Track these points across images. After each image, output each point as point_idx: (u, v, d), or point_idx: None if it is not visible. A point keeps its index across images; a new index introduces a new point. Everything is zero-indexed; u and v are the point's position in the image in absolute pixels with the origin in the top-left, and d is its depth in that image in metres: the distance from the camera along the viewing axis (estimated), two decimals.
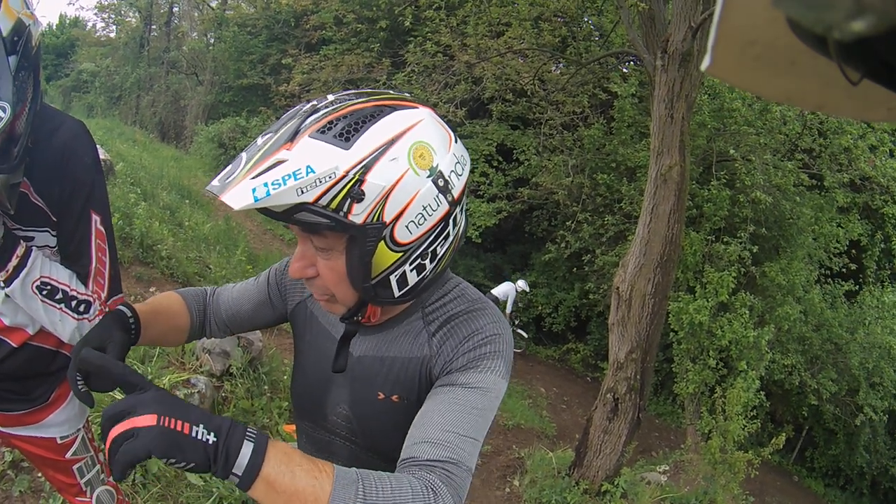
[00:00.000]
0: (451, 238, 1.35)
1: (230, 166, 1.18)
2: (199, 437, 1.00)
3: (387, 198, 1.18)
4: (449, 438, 1.21)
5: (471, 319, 1.39)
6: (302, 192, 1.11)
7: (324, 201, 1.14)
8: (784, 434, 8.56)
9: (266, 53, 20.64)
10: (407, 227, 1.23)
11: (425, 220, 1.25)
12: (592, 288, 12.33)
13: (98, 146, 1.84)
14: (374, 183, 1.16)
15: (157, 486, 3.57)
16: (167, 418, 1.00)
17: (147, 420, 1.00)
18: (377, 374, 1.46)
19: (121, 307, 1.50)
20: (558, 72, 13.50)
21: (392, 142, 1.19)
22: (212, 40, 25.50)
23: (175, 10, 28.16)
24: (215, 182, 1.16)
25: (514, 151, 12.88)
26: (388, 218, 1.20)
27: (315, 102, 1.25)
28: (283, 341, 6.41)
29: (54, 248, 1.81)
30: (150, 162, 12.65)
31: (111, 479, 2.29)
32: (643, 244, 6.26)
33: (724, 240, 10.64)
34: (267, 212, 1.15)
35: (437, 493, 1.12)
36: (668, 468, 8.59)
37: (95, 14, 31.26)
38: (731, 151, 10.85)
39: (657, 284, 6.34)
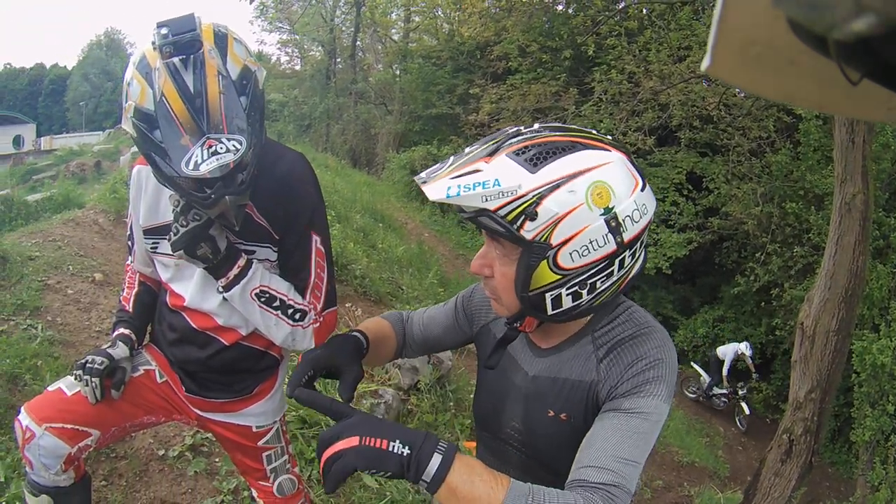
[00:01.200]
0: (614, 277, 1.39)
1: (438, 164, 1.37)
2: (396, 450, 1.17)
3: (557, 223, 1.27)
4: (612, 463, 1.27)
5: (636, 345, 1.44)
6: (486, 200, 1.25)
7: (503, 212, 1.26)
8: None
9: (453, 84, 20.96)
10: (570, 254, 1.30)
11: (589, 252, 1.31)
12: (780, 324, 12.09)
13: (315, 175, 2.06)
14: (548, 207, 1.26)
15: None
16: (368, 438, 1.18)
17: (351, 442, 1.18)
18: (549, 394, 1.54)
19: (357, 335, 1.68)
20: (743, 96, 13.30)
21: (574, 175, 1.27)
22: (398, 71, 26.14)
23: (358, 43, 29.06)
24: (423, 174, 1.36)
25: (704, 179, 12.88)
26: (554, 241, 1.29)
27: (521, 128, 1.37)
28: (471, 362, 6.47)
29: (274, 262, 2.01)
30: (343, 186, 12.97)
31: (296, 469, 2.47)
32: (828, 277, 5.92)
33: None
34: (462, 211, 1.33)
35: None
36: None
37: (279, 48, 33.19)
38: None
39: (841, 320, 5.95)
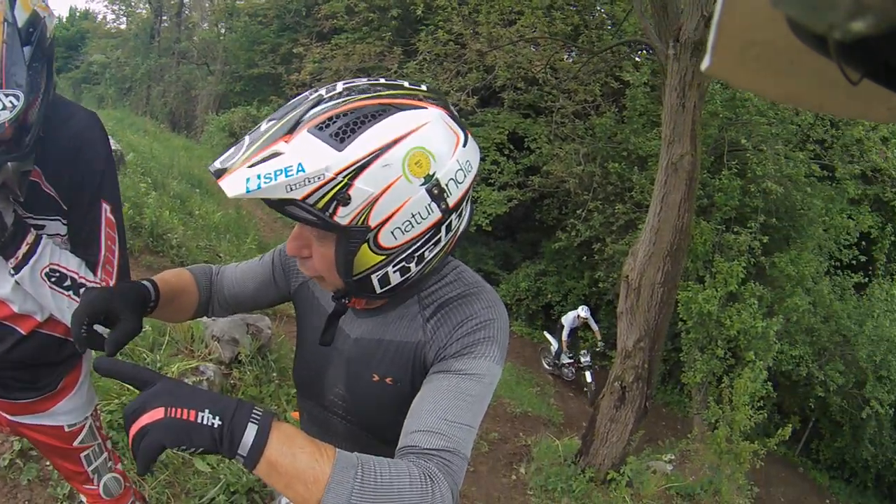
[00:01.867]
0: (441, 243, 1.32)
1: (233, 149, 1.18)
2: (205, 421, 1.03)
3: (374, 203, 1.17)
4: (445, 427, 1.21)
5: (465, 304, 1.39)
6: (291, 189, 1.12)
7: (311, 200, 1.14)
8: (790, 425, 8.64)
9: (277, 43, 20.60)
10: (392, 232, 1.22)
11: (413, 227, 1.23)
12: (602, 276, 12.32)
13: (109, 136, 1.88)
14: (362, 188, 1.14)
15: (164, 474, 3.59)
16: (174, 409, 1.03)
17: (156, 414, 1.03)
18: (373, 357, 1.47)
19: (146, 284, 1.51)
20: (570, 60, 13.52)
21: (387, 147, 1.15)
22: (223, 30, 25.49)
23: (186, 0, 28.13)
24: (216, 163, 1.17)
25: (526, 140, 12.90)
26: (373, 223, 1.19)
27: (322, 92, 1.22)
28: (291, 328, 6.28)
29: (65, 236, 1.82)
30: (161, 152, 12.66)
31: (119, 466, 2.31)
32: (653, 233, 6.25)
33: (735, 230, 10.60)
34: (266, 200, 1.18)
35: (434, 481, 1.13)
36: (673, 457, 8.57)
37: (105, 6, 31.60)
38: (743, 141, 10.84)
39: (666, 273, 6.33)
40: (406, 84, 1.28)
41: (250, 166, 1.12)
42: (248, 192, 1.11)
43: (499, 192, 12.37)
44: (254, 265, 1.78)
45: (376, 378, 1.45)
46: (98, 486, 2.23)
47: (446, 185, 1.22)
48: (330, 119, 1.15)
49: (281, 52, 20.13)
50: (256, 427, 1.04)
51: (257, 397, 4.78)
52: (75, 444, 2.13)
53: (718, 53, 0.49)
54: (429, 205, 1.21)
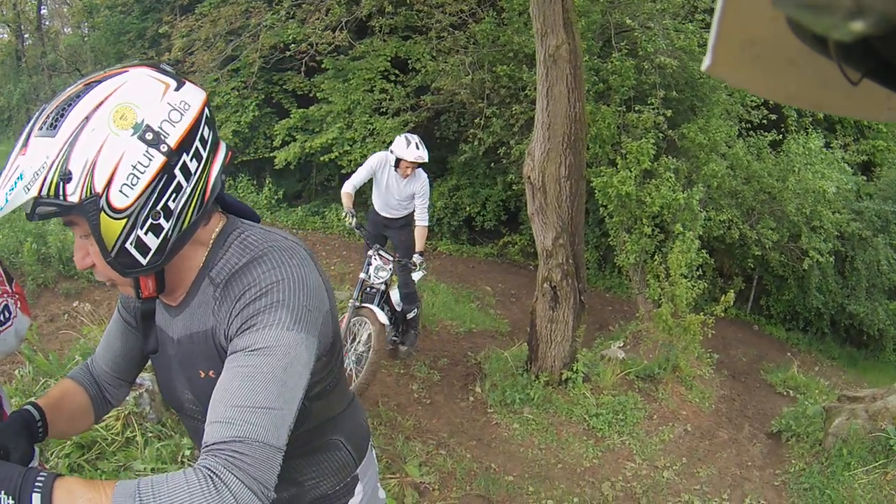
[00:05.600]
0: (185, 189, 1.27)
1: None
2: (3, 503, 1.02)
3: (93, 169, 1.17)
4: (233, 414, 1.16)
5: (244, 273, 1.32)
6: (28, 190, 1.15)
7: (44, 191, 1.16)
8: (732, 290, 8.61)
9: (142, 28, 19.59)
10: (121, 190, 1.19)
11: (138, 178, 1.21)
12: (514, 179, 12.04)
13: None
14: (78, 159, 1.16)
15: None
16: None
17: None
18: (193, 353, 1.43)
19: (28, 407, 1.49)
20: None
21: (90, 114, 1.18)
22: (86, 31, 24.51)
23: (43, 11, 26.82)
24: None
25: (410, 62, 12.58)
26: (98, 188, 1.18)
27: (45, 104, 1.25)
28: None
29: None
30: None
31: None
32: (545, 129, 6.09)
33: (637, 108, 10.38)
34: (36, 216, 1.20)
35: (216, 481, 1.07)
36: (625, 342, 8.61)
37: None
38: (628, 21, 10.58)
39: (570, 166, 6.19)
40: (118, 66, 1.29)
41: (2, 188, 1.17)
42: (0, 209, 1.15)
43: (393, 118, 12.05)
44: (110, 328, 1.73)
45: (202, 374, 1.42)
46: None
47: (160, 127, 1.22)
48: (47, 118, 1.20)
49: (148, 36, 19.19)
50: (40, 495, 1.04)
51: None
52: None
53: (718, 53, 0.49)
54: (146, 151, 1.21)
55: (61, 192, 1.16)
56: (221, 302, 1.34)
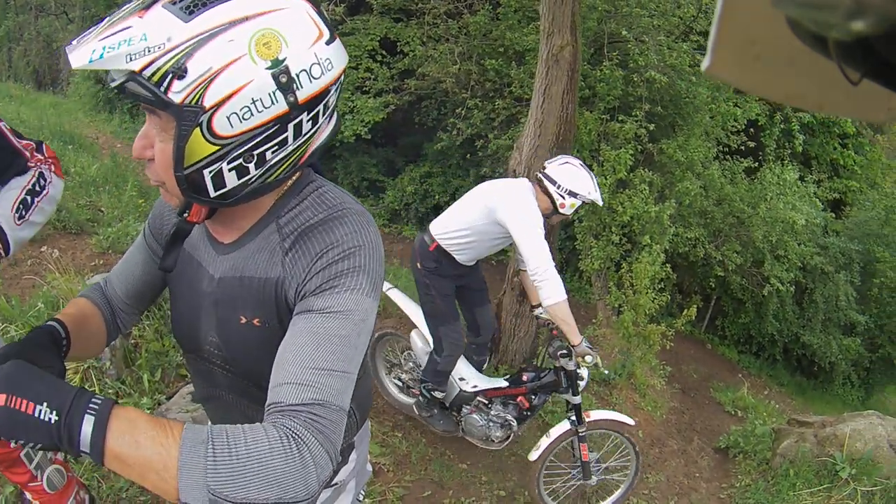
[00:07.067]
0: (290, 146, 1.20)
1: (91, 29, 1.08)
2: (42, 416, 0.93)
3: (211, 80, 1.06)
4: (311, 377, 1.10)
5: (326, 231, 1.25)
6: (131, 59, 1.03)
7: (148, 72, 1.05)
8: (694, 305, 8.80)
9: None
10: (228, 118, 1.10)
11: (253, 115, 1.11)
12: (488, 172, 12.01)
13: None
14: (201, 61, 1.05)
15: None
16: (15, 398, 0.94)
17: None
18: (237, 297, 1.35)
19: (53, 324, 1.36)
20: None
21: (237, 22, 1.06)
22: None
23: None
24: (74, 41, 1.07)
25: (399, 44, 12.52)
26: (208, 103, 1.08)
27: None
28: None
29: None
30: (29, 114, 11.90)
31: (59, 457, 2.33)
32: (537, 126, 6.11)
33: (620, 118, 10.42)
34: (113, 81, 1.08)
35: (299, 442, 1.03)
36: None
37: None
38: (624, 33, 10.62)
39: None
40: None
41: (101, 39, 1.04)
42: (90, 62, 1.02)
43: (375, 98, 11.99)
44: (132, 251, 1.66)
45: (243, 320, 1.35)
46: (42, 480, 2.25)
47: (297, 75, 1.12)
48: None
49: None
50: (94, 419, 0.95)
51: (161, 352, 4.49)
52: (13, 444, 2.00)
53: (718, 53, 0.49)
54: (273, 92, 1.11)
55: (166, 84, 1.06)
56: (295, 255, 1.27)
